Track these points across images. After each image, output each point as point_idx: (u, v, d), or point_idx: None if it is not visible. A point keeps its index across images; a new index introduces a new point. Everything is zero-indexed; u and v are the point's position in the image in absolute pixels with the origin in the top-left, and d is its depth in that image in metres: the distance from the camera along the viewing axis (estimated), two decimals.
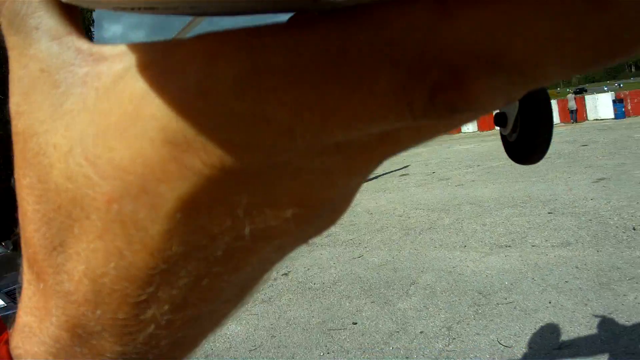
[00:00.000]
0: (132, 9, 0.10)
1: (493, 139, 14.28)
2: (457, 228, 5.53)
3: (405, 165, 11.11)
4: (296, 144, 0.10)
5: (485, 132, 17.33)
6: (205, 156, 0.10)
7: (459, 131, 18.16)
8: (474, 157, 11.16)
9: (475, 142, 14.77)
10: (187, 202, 0.11)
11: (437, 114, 0.09)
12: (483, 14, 0.09)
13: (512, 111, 0.87)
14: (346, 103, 0.10)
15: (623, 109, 16.50)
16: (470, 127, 18.59)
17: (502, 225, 5.31)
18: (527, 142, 0.87)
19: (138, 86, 0.11)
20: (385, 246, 5.29)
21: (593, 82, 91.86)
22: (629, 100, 16.66)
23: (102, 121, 0.11)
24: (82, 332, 0.14)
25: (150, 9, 0.10)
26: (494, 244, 4.76)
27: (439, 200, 7.04)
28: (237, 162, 0.11)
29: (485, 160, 10.34)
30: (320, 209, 0.13)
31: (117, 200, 0.11)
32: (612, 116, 16.68)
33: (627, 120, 15.43)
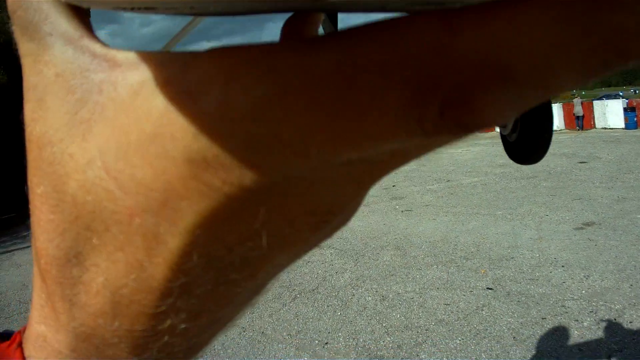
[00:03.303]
0: (132, 9, 0.10)
1: (486, 143, 12.09)
2: (348, 295, 3.55)
3: None
4: (311, 162, 0.11)
5: (481, 133, 14.73)
6: (224, 175, 0.11)
7: None
8: (449, 168, 9.05)
9: (466, 145, 12.53)
10: (207, 217, 0.11)
11: (448, 130, 0.09)
12: (488, 28, 0.09)
13: None
14: (358, 123, 0.10)
15: (635, 119, 13.93)
16: None
17: (405, 305, 3.31)
18: (527, 142, 0.86)
19: (156, 105, 0.11)
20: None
21: (609, 86, 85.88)
22: None
23: (123, 137, 0.11)
24: (99, 342, 0.14)
25: (150, 9, 0.10)
26: (370, 349, 2.77)
27: (363, 236, 5.05)
28: (256, 180, 0.11)
29: (459, 174, 8.25)
30: (332, 216, 0.13)
31: (139, 214, 0.12)
32: (623, 126, 14.20)
33: (638, 132, 13.01)
